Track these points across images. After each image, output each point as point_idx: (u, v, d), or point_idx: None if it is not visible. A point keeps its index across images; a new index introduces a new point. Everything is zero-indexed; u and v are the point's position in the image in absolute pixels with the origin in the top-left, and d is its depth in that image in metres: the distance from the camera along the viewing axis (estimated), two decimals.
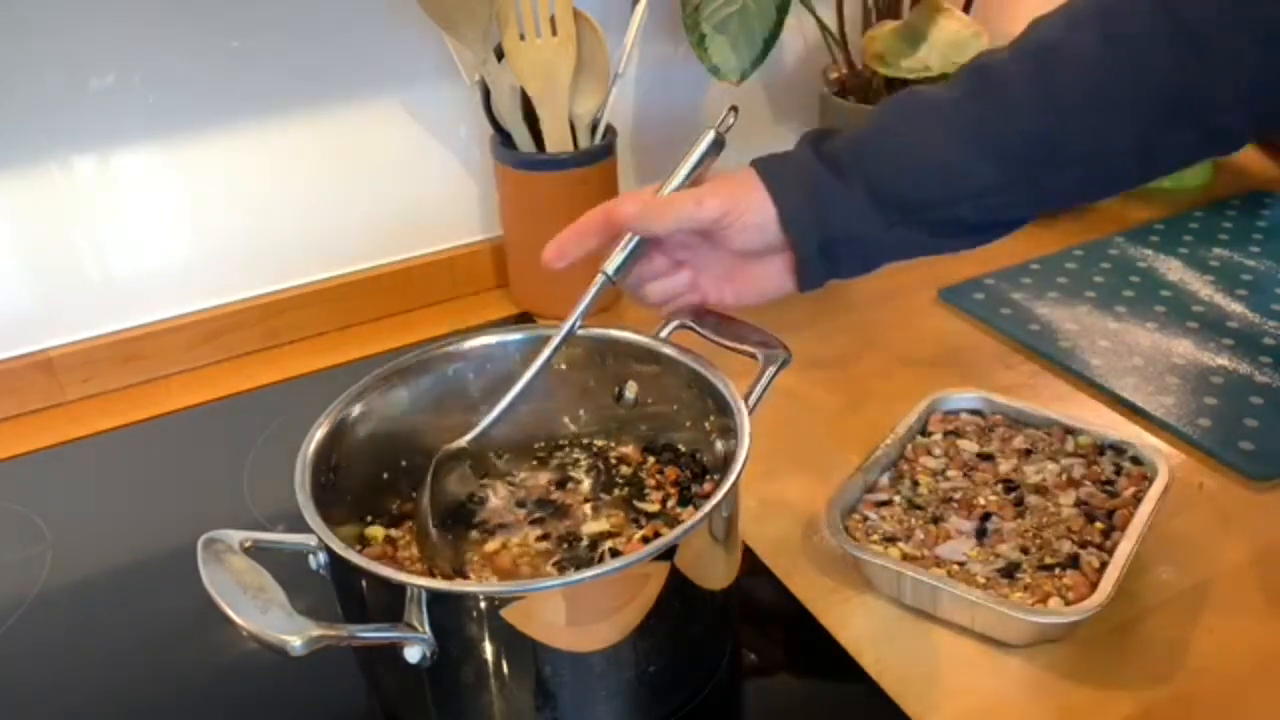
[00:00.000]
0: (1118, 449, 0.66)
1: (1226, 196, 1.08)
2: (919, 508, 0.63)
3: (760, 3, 0.88)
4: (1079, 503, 0.62)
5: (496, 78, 0.83)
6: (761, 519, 0.67)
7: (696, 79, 0.99)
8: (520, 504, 0.63)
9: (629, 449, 0.66)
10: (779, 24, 0.88)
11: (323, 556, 0.50)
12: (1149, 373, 0.79)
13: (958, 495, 0.64)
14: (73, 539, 0.70)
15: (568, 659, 0.49)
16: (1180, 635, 0.58)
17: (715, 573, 0.54)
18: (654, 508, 0.61)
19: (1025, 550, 0.59)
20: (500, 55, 0.82)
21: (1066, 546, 0.59)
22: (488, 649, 0.48)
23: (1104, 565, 0.56)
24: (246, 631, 0.43)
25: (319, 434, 0.56)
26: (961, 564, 0.58)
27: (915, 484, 0.65)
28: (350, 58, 0.85)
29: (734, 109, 0.63)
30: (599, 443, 0.67)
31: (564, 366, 0.64)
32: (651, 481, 0.63)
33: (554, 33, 0.81)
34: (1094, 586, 0.55)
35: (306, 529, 0.49)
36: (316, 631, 0.43)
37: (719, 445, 0.61)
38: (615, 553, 0.58)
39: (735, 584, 0.56)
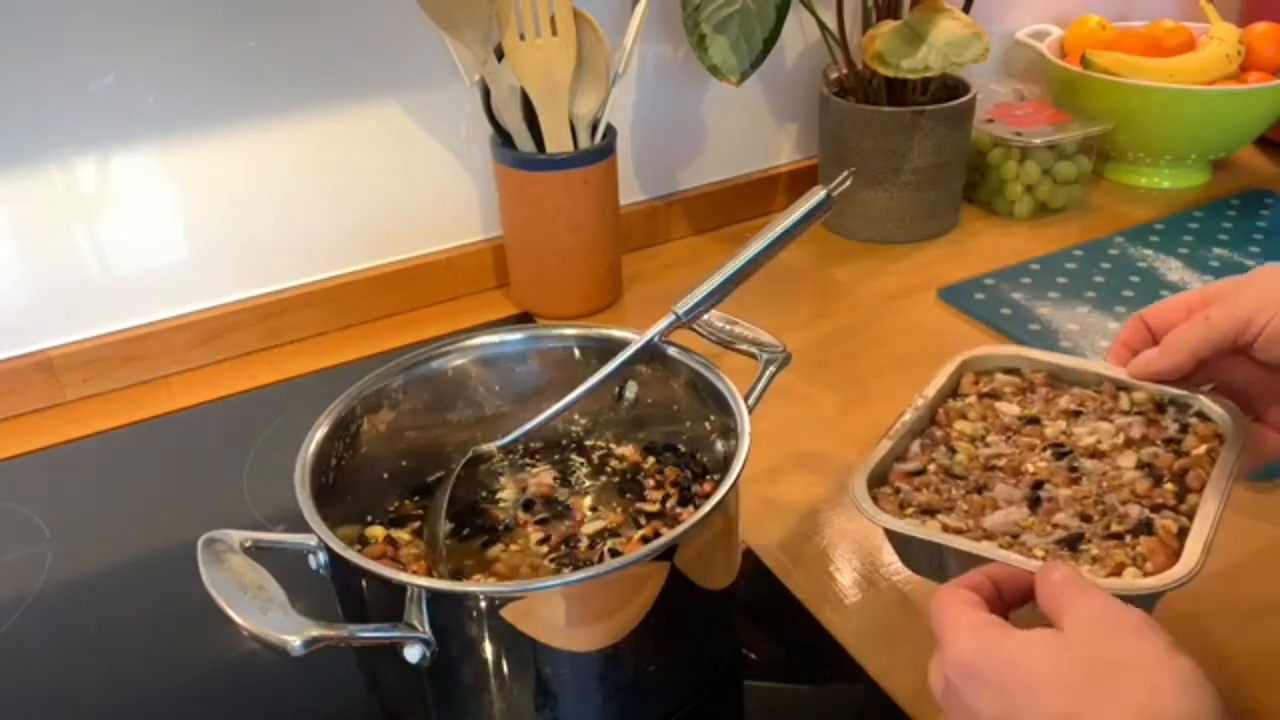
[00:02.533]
0: (1180, 405, 0.58)
1: (1226, 196, 1.08)
2: (958, 477, 0.55)
3: (760, 3, 0.88)
4: (1142, 465, 0.54)
5: (496, 78, 0.83)
6: (761, 519, 0.67)
7: (696, 79, 0.99)
8: (523, 506, 0.63)
9: (629, 449, 0.66)
10: (779, 24, 0.88)
11: (323, 556, 0.50)
12: None
13: (1001, 462, 0.56)
14: (73, 539, 0.70)
15: (568, 659, 0.49)
16: (1180, 636, 0.58)
17: (715, 573, 0.54)
18: (654, 508, 0.61)
19: (1087, 518, 0.52)
20: (500, 55, 0.82)
21: (1135, 511, 0.51)
22: (488, 649, 0.48)
23: (1183, 531, 0.49)
24: (247, 631, 0.43)
25: (319, 434, 0.56)
26: (1015, 537, 0.51)
27: (952, 451, 0.57)
28: (350, 58, 0.85)
29: (851, 172, 0.60)
30: (599, 443, 0.67)
31: (564, 367, 0.64)
32: (651, 481, 0.63)
33: (554, 33, 0.81)
34: (1174, 554, 0.48)
35: (306, 529, 0.49)
36: (316, 631, 0.43)
37: (719, 445, 0.61)
38: (615, 553, 0.58)
39: (735, 584, 0.56)
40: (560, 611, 0.48)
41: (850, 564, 0.64)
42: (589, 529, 0.60)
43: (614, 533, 0.60)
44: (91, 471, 0.78)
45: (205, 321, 0.88)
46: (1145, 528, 0.50)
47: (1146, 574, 0.47)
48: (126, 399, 0.85)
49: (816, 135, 1.05)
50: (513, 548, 0.59)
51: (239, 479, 0.73)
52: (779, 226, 0.58)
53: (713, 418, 0.60)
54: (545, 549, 0.59)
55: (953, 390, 0.61)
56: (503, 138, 0.87)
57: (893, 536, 0.54)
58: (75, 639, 0.62)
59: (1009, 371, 0.62)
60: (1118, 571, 0.48)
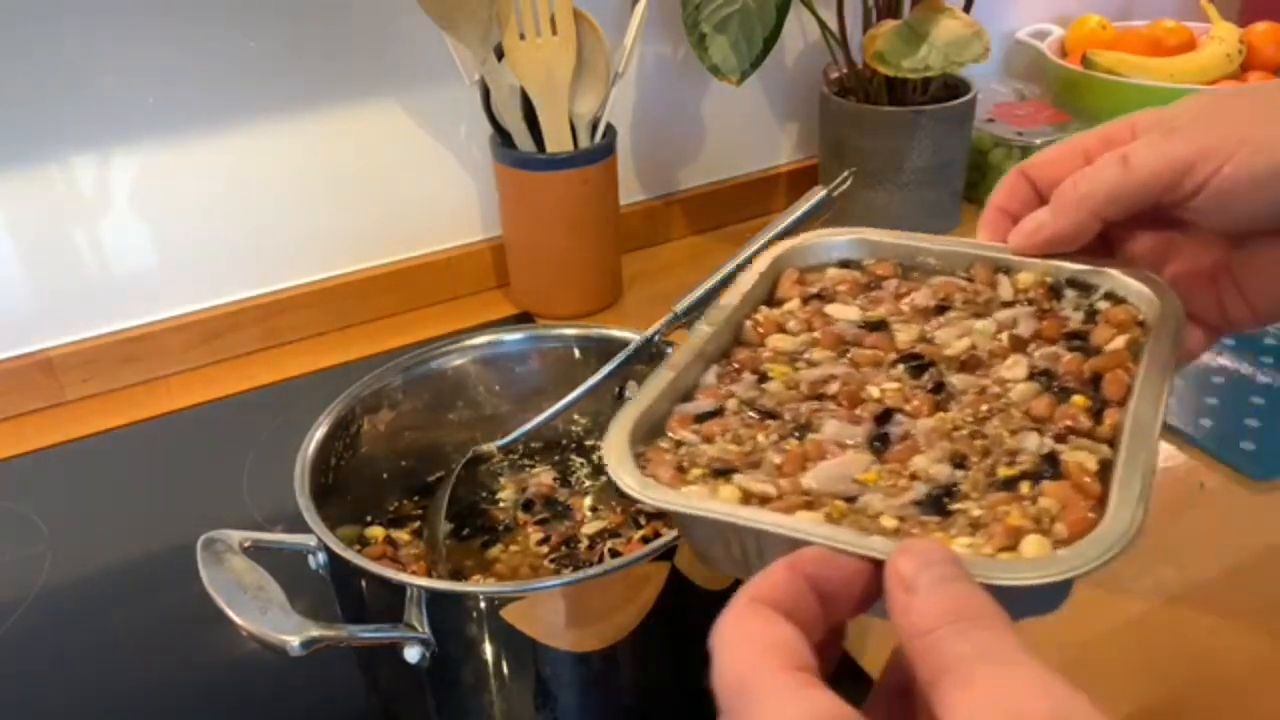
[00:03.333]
0: (1082, 285, 0.42)
1: None
2: (770, 415, 0.38)
3: (760, 2, 0.87)
4: (1037, 373, 0.38)
5: (496, 77, 0.83)
6: None
7: (696, 79, 0.99)
8: (523, 506, 0.63)
9: None
10: (779, 23, 0.88)
11: (322, 557, 0.50)
12: None
13: (833, 388, 0.39)
14: (72, 539, 0.70)
15: (567, 659, 0.49)
16: (1181, 636, 0.58)
17: (715, 573, 0.54)
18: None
19: (961, 462, 0.35)
20: (500, 54, 0.82)
21: (1033, 443, 0.35)
22: (487, 649, 0.48)
23: (1106, 465, 0.34)
24: (246, 631, 0.43)
25: (319, 434, 0.56)
26: (852, 500, 0.34)
27: (762, 378, 0.40)
28: (349, 57, 0.85)
29: (852, 172, 0.56)
30: (599, 443, 0.67)
31: (564, 366, 0.64)
32: None
33: (554, 32, 0.81)
34: (1097, 502, 0.32)
35: (306, 529, 0.49)
36: (316, 632, 0.43)
37: None
38: (615, 553, 0.58)
39: (735, 584, 0.56)
40: (560, 612, 0.48)
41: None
42: (589, 529, 0.60)
43: (614, 533, 0.60)
44: (91, 471, 0.77)
45: (205, 321, 0.88)
46: (1049, 466, 0.34)
47: (1060, 541, 0.31)
48: (126, 399, 0.85)
49: (817, 135, 1.05)
50: (512, 548, 0.59)
51: (238, 479, 0.73)
52: (779, 226, 0.58)
53: None
54: (545, 549, 0.59)
55: (767, 296, 0.45)
56: (502, 137, 0.87)
57: (674, 519, 0.38)
58: (74, 639, 0.62)
59: (846, 265, 0.46)
60: (1013, 542, 0.31)
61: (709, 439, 0.37)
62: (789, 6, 0.88)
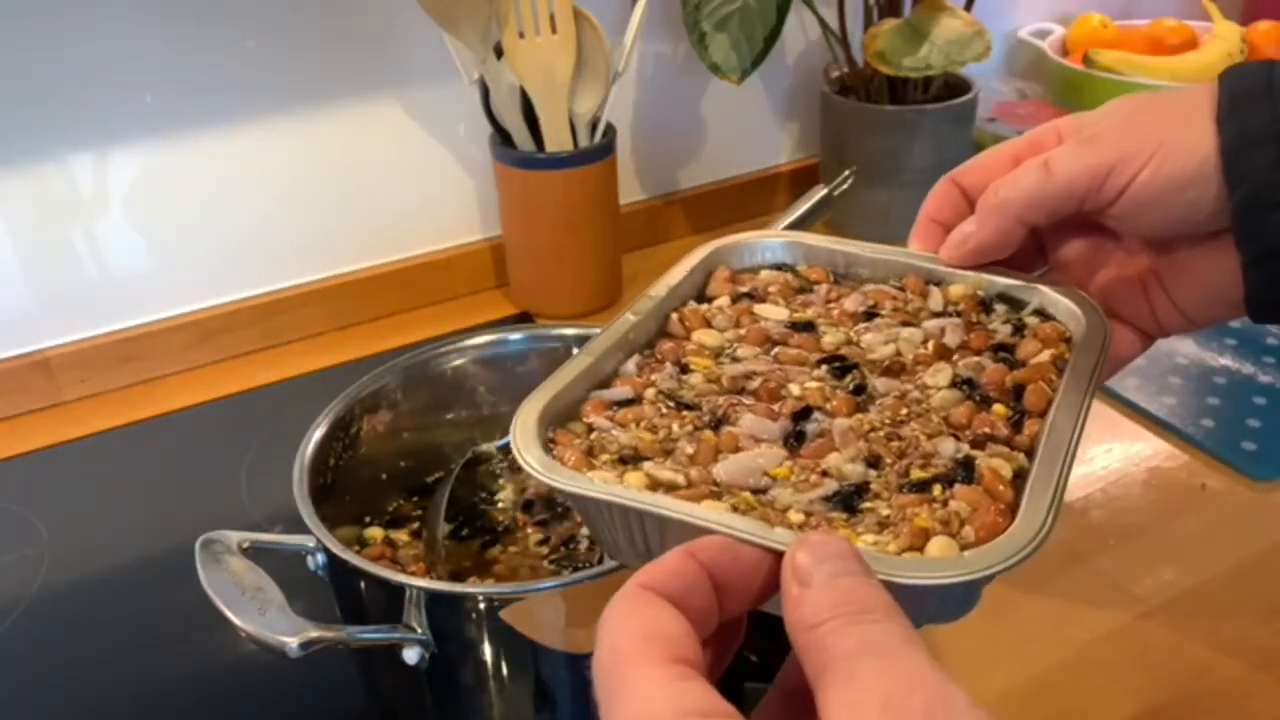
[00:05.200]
0: (1013, 300, 0.42)
1: None
2: (688, 407, 0.38)
3: (761, 1, 0.87)
4: (960, 381, 0.38)
5: (496, 76, 0.83)
6: None
7: (697, 78, 0.99)
8: (523, 506, 0.62)
9: None
10: (780, 22, 0.88)
11: (321, 557, 0.50)
12: (1151, 373, 0.79)
13: (755, 384, 0.38)
14: (70, 539, 0.70)
15: (566, 660, 0.49)
16: (1182, 636, 0.58)
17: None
18: None
19: (875, 462, 0.35)
20: (500, 53, 0.82)
21: (949, 447, 0.35)
22: (486, 650, 0.48)
23: (1021, 474, 0.34)
24: (245, 632, 0.43)
25: (317, 434, 0.56)
26: (761, 492, 0.34)
27: (683, 370, 0.40)
28: (349, 57, 0.85)
29: (853, 171, 0.56)
30: None
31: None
32: None
33: (553, 31, 0.81)
34: (1009, 509, 0.32)
35: (305, 530, 0.49)
36: (315, 633, 0.43)
37: None
38: None
39: None
40: (559, 613, 0.48)
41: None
42: (588, 530, 0.60)
43: None
44: (89, 472, 0.77)
45: (203, 321, 0.87)
46: (964, 471, 0.34)
47: (967, 544, 0.31)
48: (124, 399, 0.84)
49: (817, 134, 1.05)
50: (512, 549, 0.59)
51: (237, 480, 0.73)
52: (779, 226, 0.58)
53: None
54: (545, 550, 0.59)
55: (698, 292, 0.45)
56: (502, 137, 0.87)
57: (575, 504, 0.37)
58: (72, 640, 0.62)
59: (779, 268, 0.46)
60: (920, 543, 0.31)
61: (623, 426, 0.37)
62: (789, 5, 0.88)
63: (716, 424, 0.37)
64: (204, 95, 0.81)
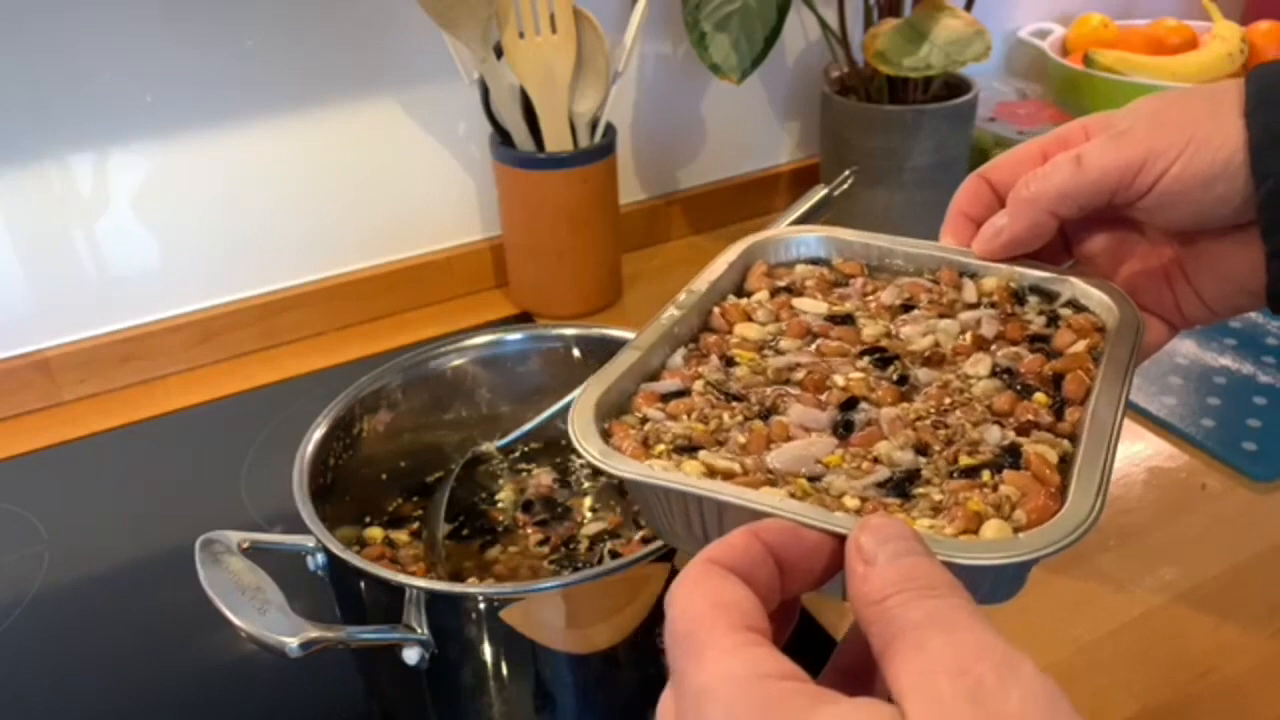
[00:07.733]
0: (1045, 292, 0.43)
1: None
2: (736, 398, 0.39)
3: (761, 1, 0.87)
4: (999, 370, 0.40)
5: (496, 76, 0.83)
6: None
7: (697, 77, 0.99)
8: (523, 507, 0.62)
9: None
10: (780, 22, 0.88)
11: (321, 557, 0.50)
12: (1152, 373, 0.79)
13: (799, 375, 0.40)
14: (70, 539, 0.70)
15: (567, 660, 0.49)
16: (1183, 636, 0.58)
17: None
18: None
19: (923, 449, 0.36)
20: (500, 53, 0.82)
21: (995, 435, 0.36)
22: (487, 650, 0.48)
23: (1066, 458, 0.35)
24: (244, 633, 0.43)
25: (317, 434, 0.55)
26: (815, 480, 0.35)
27: (729, 363, 0.41)
28: (348, 56, 0.85)
29: (853, 171, 0.56)
30: None
31: (564, 367, 0.64)
32: None
33: (553, 30, 0.81)
34: (1057, 492, 0.33)
35: (305, 530, 0.49)
36: (314, 633, 0.43)
37: None
38: (615, 554, 0.57)
39: None
40: (560, 613, 0.48)
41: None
42: (588, 530, 0.60)
43: (614, 534, 0.59)
44: (89, 472, 0.77)
45: (203, 321, 0.87)
46: (1010, 457, 0.35)
47: (1019, 527, 0.32)
48: (124, 399, 0.84)
49: (817, 134, 1.05)
50: (512, 549, 0.59)
51: (237, 480, 0.73)
52: (780, 226, 0.58)
53: None
54: (545, 550, 0.59)
55: (736, 287, 0.46)
56: (502, 136, 0.86)
57: (635, 490, 0.37)
58: (72, 640, 0.62)
59: (815, 263, 0.47)
60: (973, 526, 0.32)
61: (674, 417, 0.38)
62: (790, 5, 0.88)
63: (765, 414, 0.38)
64: (204, 95, 0.81)
